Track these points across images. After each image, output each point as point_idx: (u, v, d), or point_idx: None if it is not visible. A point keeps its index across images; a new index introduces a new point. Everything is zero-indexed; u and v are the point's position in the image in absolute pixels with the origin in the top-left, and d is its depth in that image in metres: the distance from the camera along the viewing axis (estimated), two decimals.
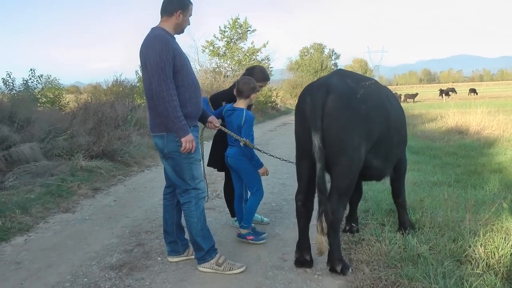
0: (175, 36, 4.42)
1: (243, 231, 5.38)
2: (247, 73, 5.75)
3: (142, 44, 4.25)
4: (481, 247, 4.53)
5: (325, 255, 4.35)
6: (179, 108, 4.11)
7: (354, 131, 4.14)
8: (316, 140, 4.04)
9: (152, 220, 6.30)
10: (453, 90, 55.72)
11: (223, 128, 5.02)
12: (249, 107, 5.35)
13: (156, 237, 5.56)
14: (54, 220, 6.41)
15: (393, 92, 5.46)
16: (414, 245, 4.68)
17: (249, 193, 5.50)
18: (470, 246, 4.60)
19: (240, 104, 5.21)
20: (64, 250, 5.24)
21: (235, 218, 5.93)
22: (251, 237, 5.35)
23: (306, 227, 4.61)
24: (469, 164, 9.58)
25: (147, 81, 4.20)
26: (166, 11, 4.31)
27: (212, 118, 4.84)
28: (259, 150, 5.36)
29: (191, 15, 4.44)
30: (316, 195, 4.34)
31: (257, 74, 5.70)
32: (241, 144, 5.06)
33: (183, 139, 4.16)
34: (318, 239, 4.14)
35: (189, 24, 4.45)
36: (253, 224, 5.57)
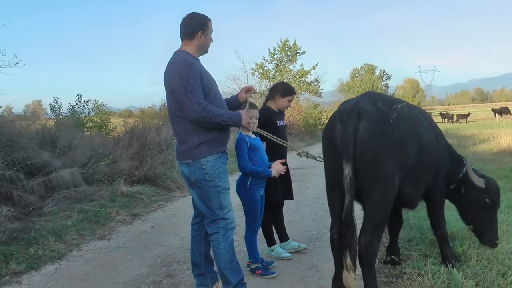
0: (200, 57, 4.27)
1: (253, 265, 5.11)
2: (269, 93, 5.59)
3: (166, 69, 4.11)
4: None
5: None
6: (218, 111, 4.00)
7: (388, 159, 3.84)
8: (347, 170, 3.74)
9: (187, 249, 6.05)
10: (507, 110, 53.89)
11: (261, 131, 4.81)
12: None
13: (187, 268, 5.31)
14: (87, 248, 6.29)
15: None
16: (459, 280, 4.25)
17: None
18: None
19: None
20: (93, 281, 5.08)
21: (272, 248, 5.68)
22: (259, 271, 5.04)
23: (342, 261, 4.27)
24: None
25: (173, 107, 4.06)
26: (186, 34, 4.16)
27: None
28: (312, 157, 5.15)
29: (212, 31, 4.26)
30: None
31: (279, 91, 5.58)
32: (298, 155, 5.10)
33: (244, 122, 4.23)
34: (344, 275, 3.87)
35: (212, 41, 4.30)
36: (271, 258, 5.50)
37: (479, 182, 4.95)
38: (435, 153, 4.65)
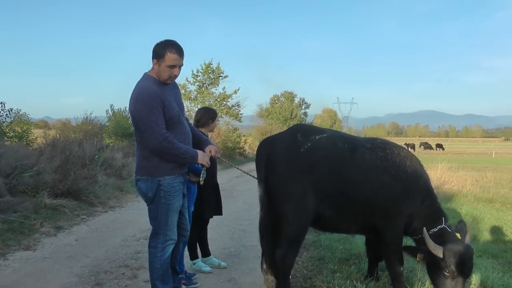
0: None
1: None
2: (202, 119, 6.06)
3: (131, 96, 4.20)
4: None
5: None
6: (178, 144, 4.20)
7: (295, 181, 4.46)
8: (260, 190, 4.58)
9: (112, 260, 6.37)
10: (427, 145, 57.73)
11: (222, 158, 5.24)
12: None
13: (115, 277, 5.64)
14: (14, 258, 6.42)
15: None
16: None
17: None
18: None
19: None
20: None
21: (194, 261, 6.12)
22: (183, 282, 5.38)
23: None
24: None
25: (136, 134, 4.28)
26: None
27: (212, 147, 4.73)
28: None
29: (174, 65, 4.17)
30: None
31: (211, 116, 6.12)
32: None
33: (199, 161, 4.37)
34: (264, 278, 4.66)
35: (175, 75, 4.25)
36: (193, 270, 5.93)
37: (436, 250, 4.56)
38: (370, 187, 4.68)
